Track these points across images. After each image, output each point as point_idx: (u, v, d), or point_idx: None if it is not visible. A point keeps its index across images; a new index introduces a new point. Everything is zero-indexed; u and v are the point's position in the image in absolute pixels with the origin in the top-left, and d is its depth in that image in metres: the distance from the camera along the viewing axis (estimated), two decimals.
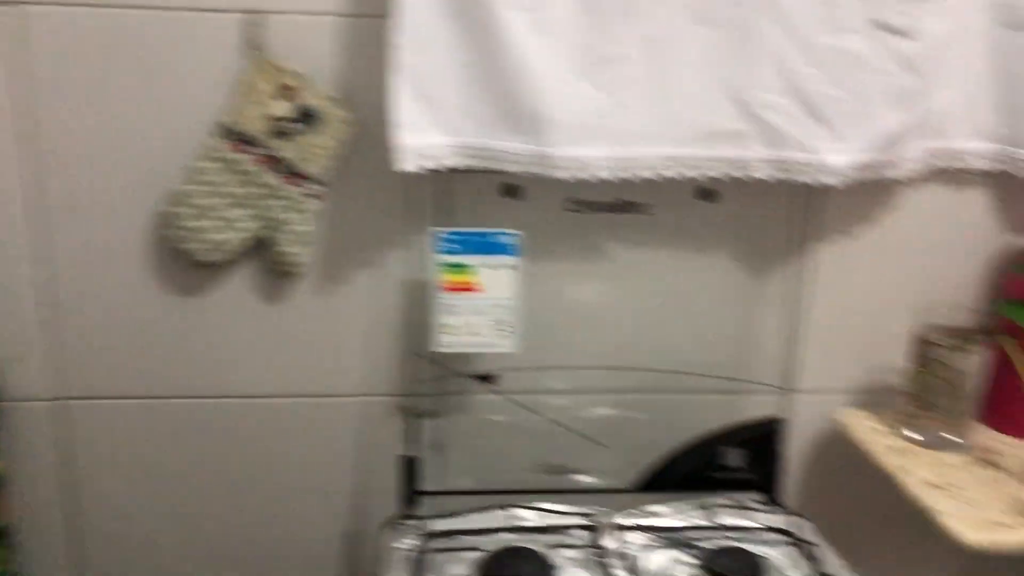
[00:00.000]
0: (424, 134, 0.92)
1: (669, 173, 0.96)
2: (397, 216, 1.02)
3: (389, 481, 1.05)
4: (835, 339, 1.12)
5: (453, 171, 0.95)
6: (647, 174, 0.95)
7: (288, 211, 0.97)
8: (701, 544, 0.98)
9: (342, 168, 0.99)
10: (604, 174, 0.94)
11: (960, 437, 1.02)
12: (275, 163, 0.95)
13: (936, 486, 0.94)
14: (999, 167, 1.06)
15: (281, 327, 1.05)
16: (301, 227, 0.98)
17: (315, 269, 1.03)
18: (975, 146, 1.04)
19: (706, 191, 1.03)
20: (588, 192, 1.01)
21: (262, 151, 0.95)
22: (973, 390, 1.01)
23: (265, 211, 0.97)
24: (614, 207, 1.03)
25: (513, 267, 0.96)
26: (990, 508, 0.91)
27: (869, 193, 1.06)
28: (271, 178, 0.96)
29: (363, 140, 0.97)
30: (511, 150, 0.92)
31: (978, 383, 1.01)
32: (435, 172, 0.94)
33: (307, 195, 0.97)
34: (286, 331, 1.05)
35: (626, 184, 0.96)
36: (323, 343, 1.06)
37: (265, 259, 1.01)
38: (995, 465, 1.00)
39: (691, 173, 0.96)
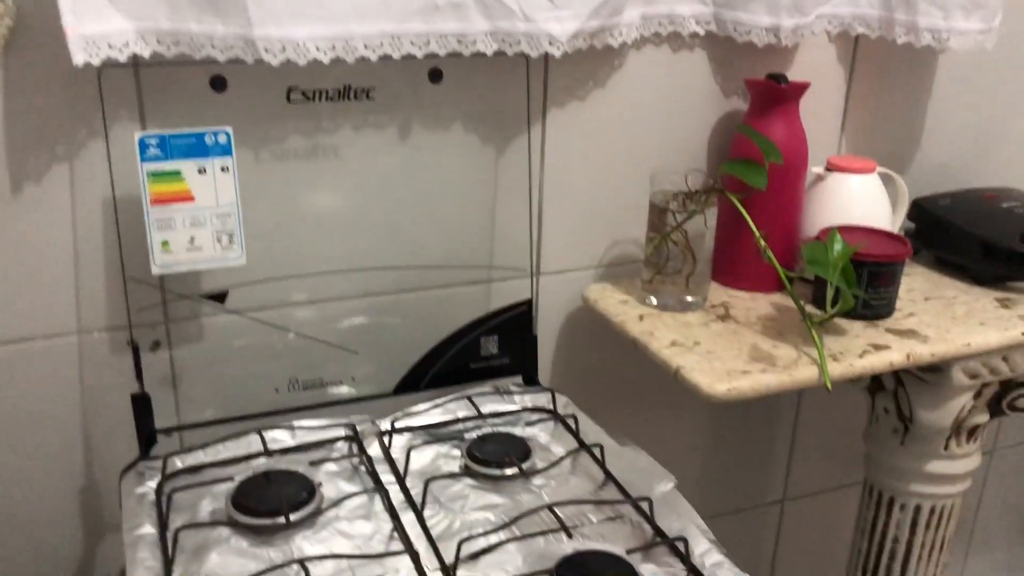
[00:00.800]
0: (104, 20, 0.79)
1: (391, 52, 0.89)
2: (91, 123, 0.88)
3: (127, 425, 0.94)
4: (576, 216, 1.12)
5: (154, 65, 0.83)
6: (367, 54, 0.88)
7: None
8: (466, 435, 0.97)
9: (9, 72, 0.84)
10: (318, 56, 0.86)
11: (698, 296, 1.07)
12: None
13: (680, 345, 0.98)
14: (715, 31, 1.08)
15: None
16: None
17: None
18: (691, 9, 1.06)
19: (437, 71, 0.98)
20: (312, 80, 0.93)
21: None
22: (707, 250, 1.05)
23: None
24: (342, 94, 0.95)
25: (228, 168, 0.87)
26: (730, 359, 0.95)
27: (593, 63, 1.05)
28: None
29: (34, 35, 0.83)
30: (210, 34, 0.82)
31: (711, 243, 1.05)
32: (134, 67, 0.82)
33: None
34: None
35: (354, 69, 0.89)
36: (21, 279, 0.91)
37: None
38: (732, 318, 1.05)
39: (413, 51, 0.90)
